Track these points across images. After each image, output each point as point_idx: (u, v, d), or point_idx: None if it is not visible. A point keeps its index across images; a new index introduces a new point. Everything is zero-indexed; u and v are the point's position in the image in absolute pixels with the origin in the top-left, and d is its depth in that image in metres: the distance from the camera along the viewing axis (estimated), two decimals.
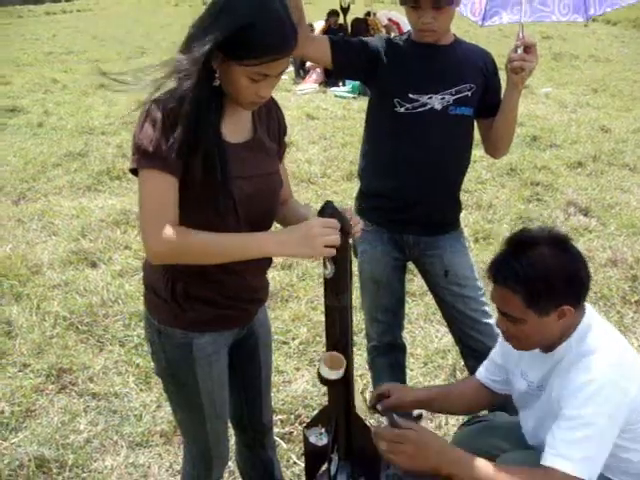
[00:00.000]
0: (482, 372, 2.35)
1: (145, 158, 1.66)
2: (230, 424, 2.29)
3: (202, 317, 1.89)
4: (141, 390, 3.38)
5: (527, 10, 2.66)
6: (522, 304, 1.86)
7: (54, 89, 11.50)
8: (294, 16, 1.71)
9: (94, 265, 4.79)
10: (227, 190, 1.73)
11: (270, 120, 1.97)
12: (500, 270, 1.92)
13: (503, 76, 2.49)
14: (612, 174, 6.69)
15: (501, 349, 2.25)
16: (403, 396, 2.32)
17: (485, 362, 2.35)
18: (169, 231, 1.64)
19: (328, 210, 1.74)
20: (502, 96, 2.51)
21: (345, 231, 1.74)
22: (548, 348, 1.98)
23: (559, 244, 1.90)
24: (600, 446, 1.77)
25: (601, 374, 1.80)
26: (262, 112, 1.93)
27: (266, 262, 2.00)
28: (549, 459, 1.77)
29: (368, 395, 3.02)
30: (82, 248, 4.97)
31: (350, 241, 1.81)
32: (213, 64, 1.65)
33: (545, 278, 1.83)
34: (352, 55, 2.52)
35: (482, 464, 1.81)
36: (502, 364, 2.25)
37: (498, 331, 2.34)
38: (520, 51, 2.35)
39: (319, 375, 1.95)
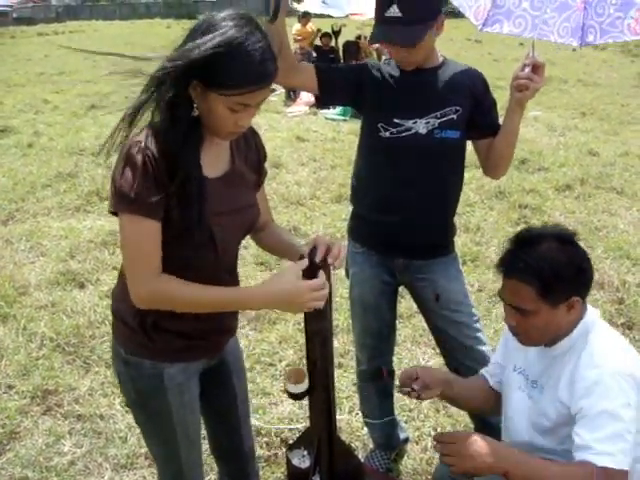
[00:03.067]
0: (485, 372, 2.37)
1: (126, 203, 1.64)
2: (212, 456, 2.28)
3: (171, 348, 1.88)
4: (127, 412, 3.34)
5: (529, 25, 2.67)
6: (534, 295, 1.89)
7: (45, 110, 11.48)
8: (275, 46, 1.68)
9: (82, 286, 4.77)
10: (205, 226, 1.73)
11: (249, 149, 1.95)
12: (512, 263, 1.96)
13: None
14: (599, 197, 6.73)
15: (503, 349, 2.27)
16: (431, 376, 2.27)
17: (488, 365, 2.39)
18: (155, 281, 1.67)
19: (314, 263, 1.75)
20: (504, 116, 2.48)
21: (326, 264, 1.76)
22: (551, 342, 2.00)
23: (565, 239, 1.96)
24: (630, 436, 1.77)
25: (610, 368, 1.82)
26: (240, 142, 1.91)
27: None
28: (592, 460, 1.74)
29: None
30: (70, 269, 4.96)
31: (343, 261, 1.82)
32: (192, 94, 1.65)
33: (556, 269, 1.88)
34: (338, 81, 2.52)
35: (535, 459, 1.83)
36: (502, 363, 2.26)
37: (490, 358, 2.36)
38: (528, 70, 2.34)
39: (287, 392, 2.00)
